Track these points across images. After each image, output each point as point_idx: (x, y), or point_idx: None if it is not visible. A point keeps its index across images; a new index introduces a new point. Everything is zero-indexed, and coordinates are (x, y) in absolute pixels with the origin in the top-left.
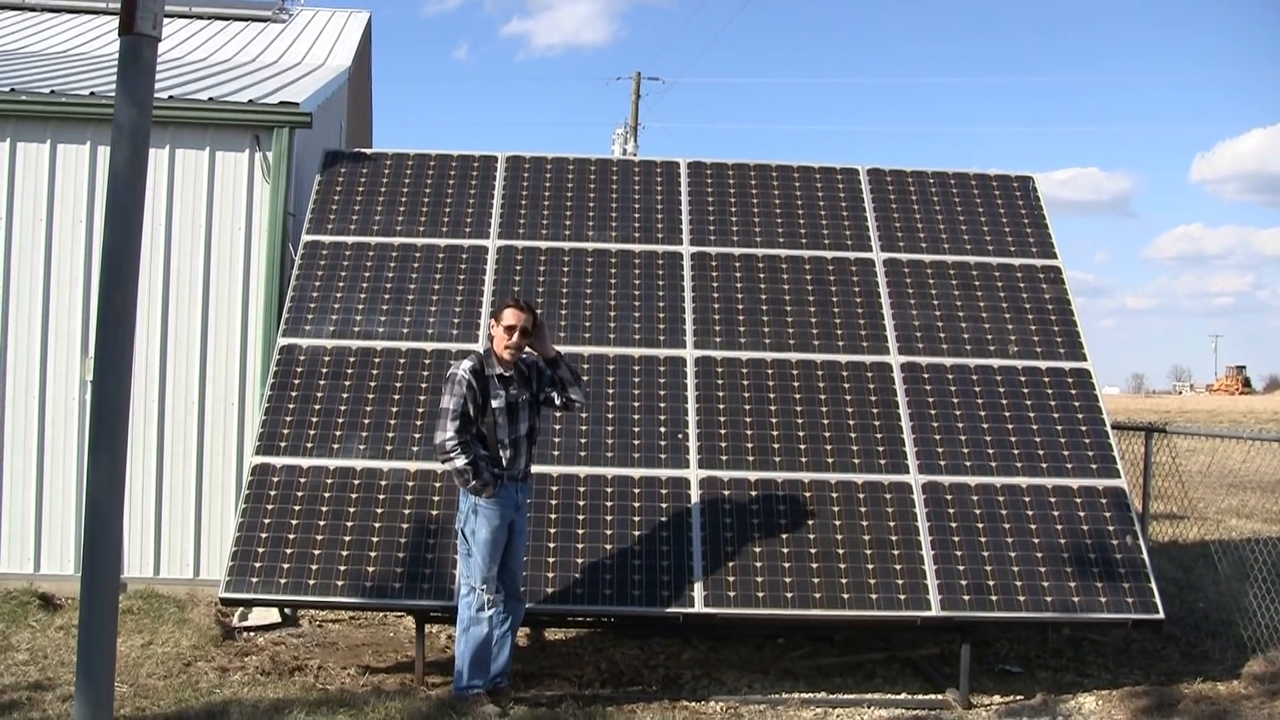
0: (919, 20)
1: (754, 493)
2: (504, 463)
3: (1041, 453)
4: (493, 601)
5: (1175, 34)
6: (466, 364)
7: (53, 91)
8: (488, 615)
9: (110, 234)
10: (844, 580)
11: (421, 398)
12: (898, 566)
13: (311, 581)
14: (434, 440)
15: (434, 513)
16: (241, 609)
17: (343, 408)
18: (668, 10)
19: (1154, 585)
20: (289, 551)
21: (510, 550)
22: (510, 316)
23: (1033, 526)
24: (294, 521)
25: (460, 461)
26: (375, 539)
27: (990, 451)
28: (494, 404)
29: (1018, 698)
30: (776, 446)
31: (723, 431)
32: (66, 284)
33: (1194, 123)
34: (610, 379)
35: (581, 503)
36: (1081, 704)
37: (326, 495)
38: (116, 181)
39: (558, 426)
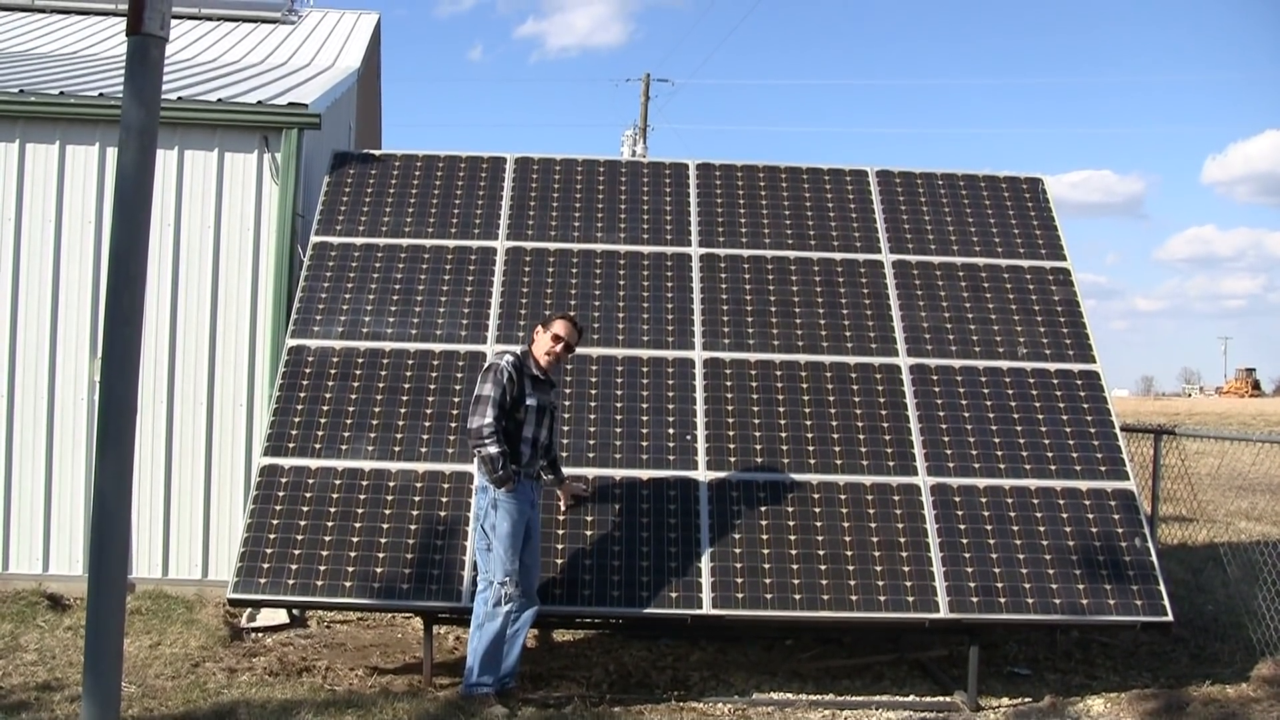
0: (930, 22)
1: (762, 494)
2: (524, 461)
3: (1050, 455)
4: (510, 597)
5: (1187, 35)
6: (509, 358)
7: (62, 93)
8: (505, 611)
9: (118, 234)
10: (852, 582)
11: (430, 399)
12: (906, 568)
13: (319, 582)
14: (470, 425)
15: (442, 514)
16: (249, 610)
17: (351, 409)
18: (681, 11)
19: (1163, 587)
20: (297, 552)
21: (527, 549)
22: (561, 327)
23: (1041, 528)
24: (302, 522)
25: (494, 449)
26: (383, 540)
27: (999, 453)
28: (529, 402)
29: (1026, 700)
30: (785, 448)
31: (731, 433)
32: (75, 285)
33: (1207, 124)
34: (619, 380)
35: (589, 504)
36: (1090, 706)
37: (335, 496)
38: (124, 182)
39: (567, 428)
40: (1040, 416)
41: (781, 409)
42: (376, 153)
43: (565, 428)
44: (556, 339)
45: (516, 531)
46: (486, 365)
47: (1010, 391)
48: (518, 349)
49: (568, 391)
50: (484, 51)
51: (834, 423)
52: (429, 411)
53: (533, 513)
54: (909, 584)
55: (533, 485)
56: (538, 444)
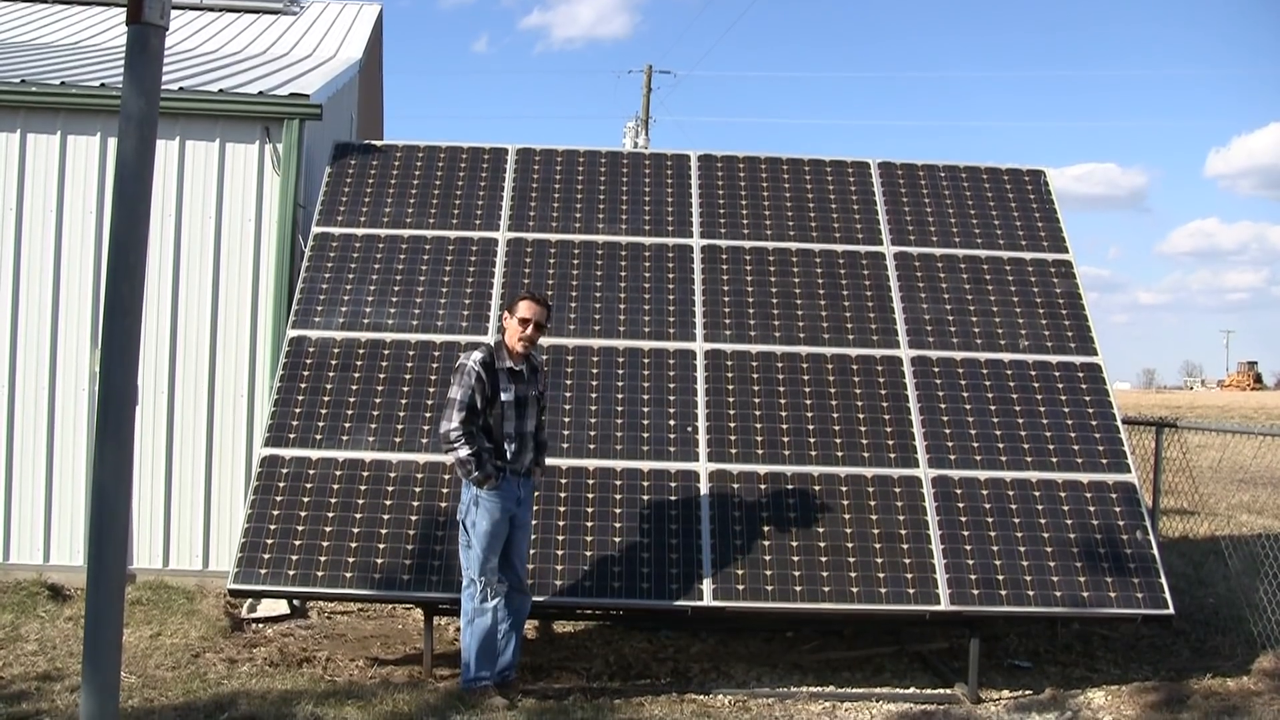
0: (933, 14)
1: (763, 486)
2: (508, 456)
3: (1051, 447)
4: (495, 592)
5: (1191, 29)
6: (477, 355)
7: (63, 83)
8: (491, 606)
9: (118, 224)
10: (853, 574)
11: (431, 390)
12: (907, 560)
13: (320, 573)
14: (439, 429)
15: (443, 505)
16: (250, 600)
17: (352, 399)
18: (685, 3)
19: (1164, 580)
20: (297, 543)
21: (513, 544)
22: (525, 309)
23: (1042, 521)
24: (303, 513)
25: (463, 452)
26: (384, 531)
27: (1000, 445)
28: (503, 397)
29: (1027, 693)
30: (786, 440)
31: (732, 425)
32: (76, 275)
33: (1210, 118)
34: (620, 372)
35: (590, 495)
36: (1091, 699)
37: (335, 487)
38: (124, 171)
39: (567, 419)
40: (1042, 409)
41: (783, 400)
42: (378, 143)
43: (566, 419)
44: (524, 322)
45: (496, 530)
46: (456, 365)
47: (1012, 383)
48: (491, 340)
49: (568, 384)
50: (489, 43)
51: (835, 414)
52: (430, 403)
53: (519, 509)
54: (910, 576)
55: (519, 482)
56: (524, 437)
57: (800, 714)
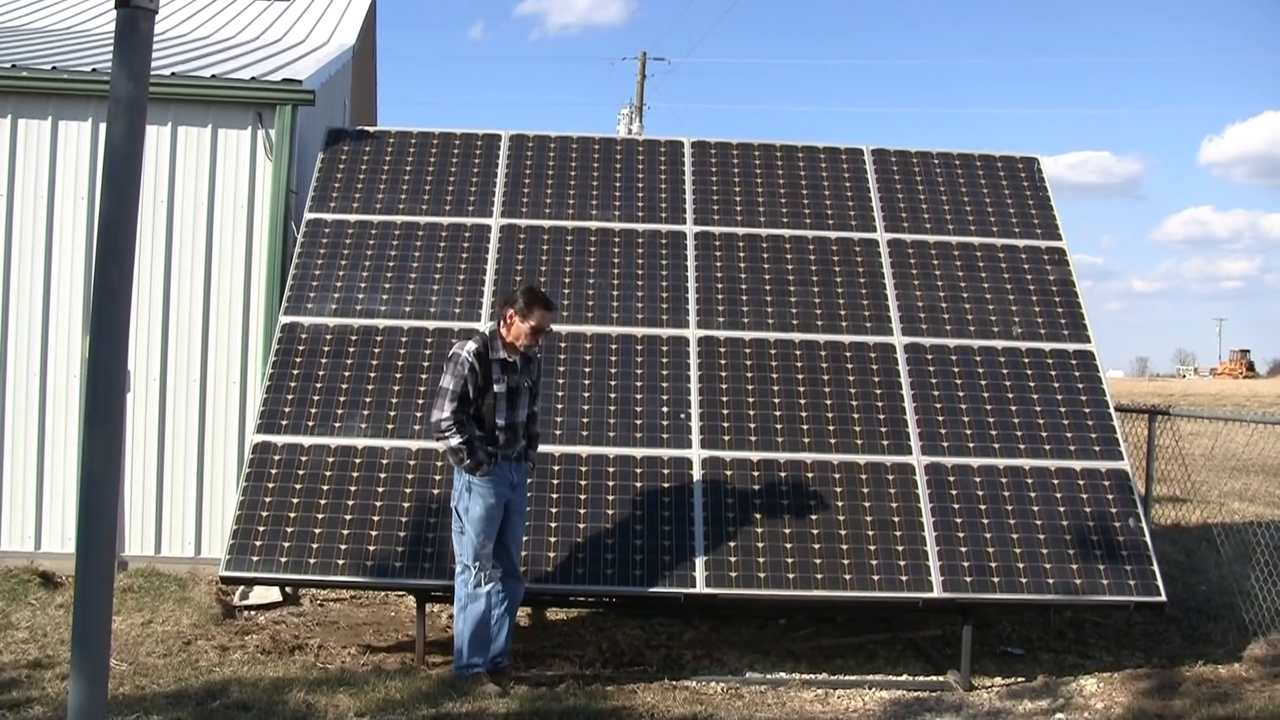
0: (927, 1)
1: (756, 473)
2: (500, 443)
3: (1044, 434)
4: (489, 578)
5: (1185, 17)
6: (471, 345)
7: (54, 68)
8: (485, 592)
9: (107, 208)
10: (846, 561)
11: (423, 377)
12: (900, 547)
13: (312, 560)
14: (430, 418)
15: (435, 492)
16: (242, 588)
17: (344, 386)
18: None
19: (1156, 568)
20: (290, 530)
21: (508, 529)
22: (541, 319)
23: (1035, 508)
24: (295, 500)
25: (455, 440)
26: (376, 518)
27: (993, 433)
28: (496, 388)
29: (1019, 679)
30: (779, 427)
31: (725, 412)
32: (68, 261)
33: (1204, 106)
34: (613, 359)
35: (583, 482)
36: (1083, 686)
37: (328, 474)
38: (114, 155)
39: (560, 406)
40: (1035, 396)
41: (776, 388)
42: (371, 129)
43: (559, 405)
44: (536, 331)
45: (490, 515)
46: (449, 354)
47: (1005, 371)
48: (486, 328)
49: (560, 370)
50: (484, 30)
51: (828, 402)
52: (423, 390)
53: (513, 494)
54: (903, 563)
55: (512, 467)
56: (515, 426)
57: (793, 701)
